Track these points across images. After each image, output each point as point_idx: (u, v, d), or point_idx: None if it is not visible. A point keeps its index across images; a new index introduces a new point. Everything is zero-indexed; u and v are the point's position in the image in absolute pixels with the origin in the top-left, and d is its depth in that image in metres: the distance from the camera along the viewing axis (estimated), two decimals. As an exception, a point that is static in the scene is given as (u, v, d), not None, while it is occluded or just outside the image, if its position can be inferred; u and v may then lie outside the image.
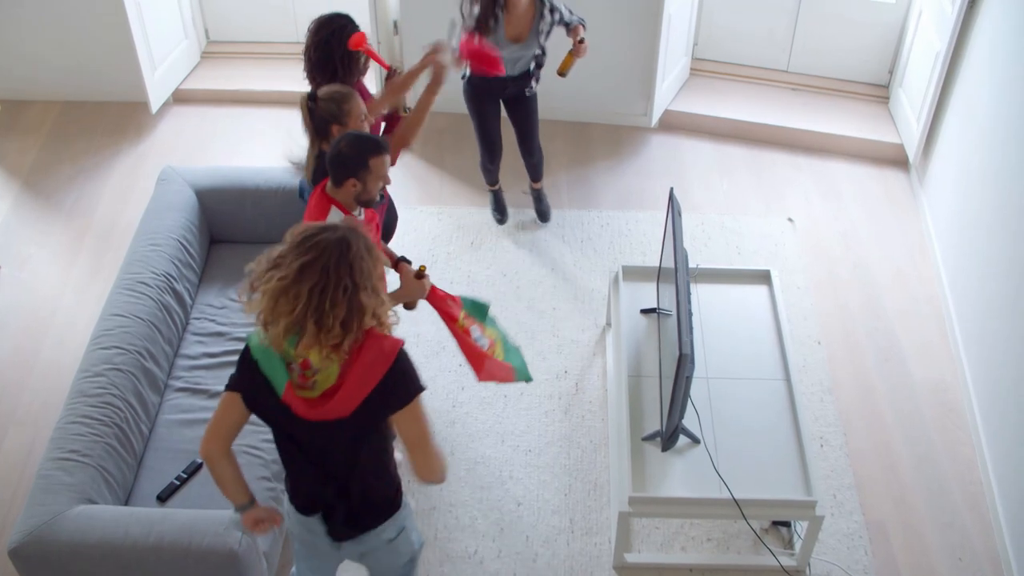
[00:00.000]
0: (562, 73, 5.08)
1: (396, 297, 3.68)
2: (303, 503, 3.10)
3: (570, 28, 5.06)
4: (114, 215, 5.95)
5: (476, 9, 4.89)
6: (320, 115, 3.94)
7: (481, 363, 3.78)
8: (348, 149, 3.62)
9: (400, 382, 2.81)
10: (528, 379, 3.97)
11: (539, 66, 5.22)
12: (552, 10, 5.00)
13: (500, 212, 5.84)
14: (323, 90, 3.99)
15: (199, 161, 6.33)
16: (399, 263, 3.92)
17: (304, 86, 4.34)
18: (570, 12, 5.09)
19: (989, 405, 4.63)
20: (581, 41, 4.98)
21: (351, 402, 2.78)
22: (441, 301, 3.82)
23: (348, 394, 2.77)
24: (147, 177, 6.14)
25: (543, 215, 5.86)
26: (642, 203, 6.07)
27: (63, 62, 6.71)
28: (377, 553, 3.20)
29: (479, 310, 3.98)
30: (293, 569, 3.49)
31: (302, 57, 4.40)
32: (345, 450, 2.92)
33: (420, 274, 3.74)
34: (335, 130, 3.96)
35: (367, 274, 2.69)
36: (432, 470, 2.92)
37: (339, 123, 3.95)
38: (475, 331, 3.91)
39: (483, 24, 4.88)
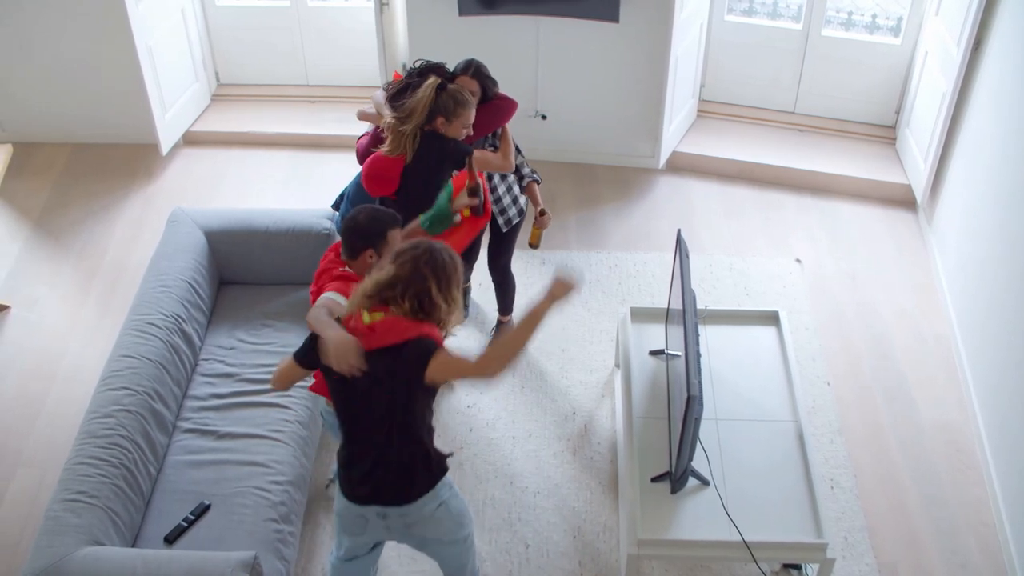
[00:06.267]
0: (533, 245, 4.94)
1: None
2: (357, 490, 3.39)
3: (523, 182, 4.87)
4: (124, 256, 5.98)
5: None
6: (440, 101, 4.23)
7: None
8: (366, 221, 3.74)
9: (421, 343, 3.21)
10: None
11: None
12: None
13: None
14: (453, 86, 4.29)
15: (209, 203, 6.37)
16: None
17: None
18: (527, 166, 4.87)
19: (1000, 444, 4.60)
20: (543, 213, 4.80)
21: (385, 336, 3.20)
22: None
23: (385, 327, 3.21)
24: (157, 219, 6.18)
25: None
26: (650, 244, 6.08)
27: (74, 104, 6.77)
28: (423, 525, 3.44)
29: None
30: (333, 554, 3.69)
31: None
32: (385, 409, 3.26)
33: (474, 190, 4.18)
34: (439, 122, 4.25)
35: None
36: (490, 374, 3.22)
37: (446, 118, 4.23)
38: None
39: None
